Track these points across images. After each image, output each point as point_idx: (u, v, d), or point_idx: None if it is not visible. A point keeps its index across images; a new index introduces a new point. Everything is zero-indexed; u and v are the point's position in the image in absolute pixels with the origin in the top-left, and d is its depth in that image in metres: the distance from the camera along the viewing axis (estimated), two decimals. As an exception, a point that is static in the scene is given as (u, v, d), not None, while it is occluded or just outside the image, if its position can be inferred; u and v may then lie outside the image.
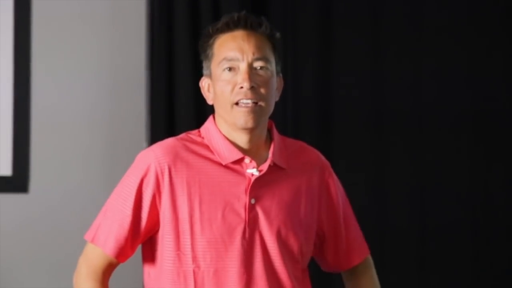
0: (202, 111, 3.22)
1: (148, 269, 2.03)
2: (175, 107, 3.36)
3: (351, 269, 2.17)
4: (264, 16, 2.05)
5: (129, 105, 3.36)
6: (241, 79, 1.95)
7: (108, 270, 2.00)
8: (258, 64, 1.97)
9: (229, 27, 1.99)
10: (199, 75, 2.10)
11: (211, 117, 2.06)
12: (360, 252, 2.17)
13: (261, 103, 1.97)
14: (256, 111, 1.96)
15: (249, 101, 1.95)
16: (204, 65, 2.05)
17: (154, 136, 3.28)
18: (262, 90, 1.96)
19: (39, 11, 3.26)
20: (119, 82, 3.35)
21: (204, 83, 2.05)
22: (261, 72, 1.97)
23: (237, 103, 1.96)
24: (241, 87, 1.95)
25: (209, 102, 2.04)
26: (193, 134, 2.04)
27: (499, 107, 3.59)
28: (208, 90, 2.04)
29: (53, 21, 3.28)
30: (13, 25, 3.23)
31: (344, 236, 2.12)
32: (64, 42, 3.30)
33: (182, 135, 2.05)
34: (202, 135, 2.03)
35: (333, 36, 3.54)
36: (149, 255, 2.02)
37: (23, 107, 3.22)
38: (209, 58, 2.02)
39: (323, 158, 2.11)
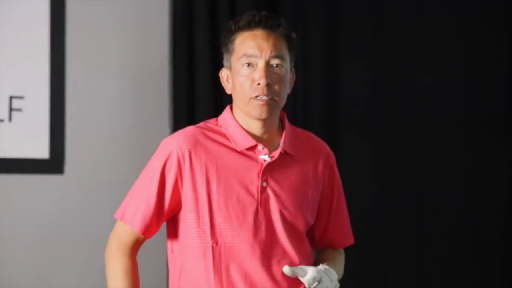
0: (220, 101, 3.32)
1: (171, 244, 2.12)
2: (195, 97, 3.43)
3: (327, 248, 2.24)
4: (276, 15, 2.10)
5: (154, 95, 3.45)
6: (259, 76, 2.01)
7: (136, 245, 2.09)
8: (274, 62, 2.03)
9: (250, 26, 2.05)
10: (217, 68, 2.14)
11: (228, 108, 2.12)
12: (346, 238, 2.25)
13: (275, 98, 2.04)
14: (270, 104, 2.03)
15: (264, 96, 2.02)
16: (225, 57, 2.11)
17: (177, 123, 3.40)
18: (277, 87, 2.03)
19: (73, 12, 3.32)
20: (145, 75, 3.43)
21: (223, 73, 2.11)
22: (276, 70, 2.04)
23: (254, 98, 2.03)
24: (258, 84, 2.02)
25: (228, 91, 2.11)
26: (211, 123, 2.11)
27: (501, 107, 3.54)
28: (227, 81, 2.10)
29: (85, 20, 3.35)
30: (49, 24, 3.27)
31: (334, 219, 2.21)
32: (96, 39, 3.37)
33: (201, 124, 2.12)
34: (219, 124, 2.10)
35: (340, 37, 3.57)
36: (173, 232, 2.10)
37: (59, 97, 3.28)
38: (229, 52, 2.08)
39: (328, 148, 2.20)
